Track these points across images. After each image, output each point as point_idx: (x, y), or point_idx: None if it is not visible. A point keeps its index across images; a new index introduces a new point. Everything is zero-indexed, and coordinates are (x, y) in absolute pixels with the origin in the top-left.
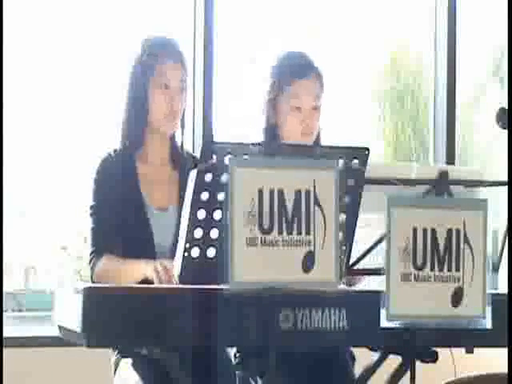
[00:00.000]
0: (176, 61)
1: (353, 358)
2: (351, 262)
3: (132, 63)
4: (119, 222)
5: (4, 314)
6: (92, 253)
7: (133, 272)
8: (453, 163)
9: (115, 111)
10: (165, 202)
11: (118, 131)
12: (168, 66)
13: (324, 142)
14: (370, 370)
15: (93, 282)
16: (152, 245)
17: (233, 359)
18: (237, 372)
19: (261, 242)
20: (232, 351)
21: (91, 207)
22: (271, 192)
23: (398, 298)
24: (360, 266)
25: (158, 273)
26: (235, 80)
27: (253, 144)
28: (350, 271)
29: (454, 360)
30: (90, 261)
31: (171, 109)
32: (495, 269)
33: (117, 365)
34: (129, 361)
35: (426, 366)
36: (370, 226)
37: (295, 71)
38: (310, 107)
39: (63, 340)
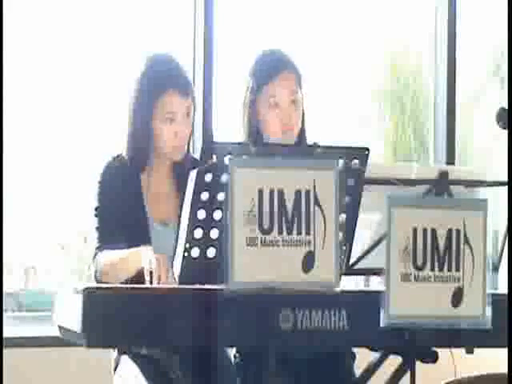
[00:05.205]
0: (181, 91)
1: (353, 356)
2: (351, 261)
3: (135, 87)
4: (121, 227)
5: (4, 313)
6: (97, 248)
7: (129, 262)
8: (453, 163)
9: (118, 122)
10: (166, 217)
11: (123, 147)
12: (173, 98)
13: (324, 142)
14: (370, 370)
15: (95, 277)
16: None
17: (232, 359)
18: (237, 372)
19: (261, 242)
20: (232, 351)
21: (96, 208)
22: (271, 192)
23: (398, 298)
24: (360, 266)
25: (151, 264)
26: (235, 80)
27: (253, 144)
28: (350, 271)
29: (454, 360)
30: (94, 256)
31: (178, 139)
32: (495, 269)
33: (117, 362)
34: (129, 357)
35: (426, 366)
36: (369, 226)
37: (269, 71)
38: (287, 102)
39: (63, 340)
